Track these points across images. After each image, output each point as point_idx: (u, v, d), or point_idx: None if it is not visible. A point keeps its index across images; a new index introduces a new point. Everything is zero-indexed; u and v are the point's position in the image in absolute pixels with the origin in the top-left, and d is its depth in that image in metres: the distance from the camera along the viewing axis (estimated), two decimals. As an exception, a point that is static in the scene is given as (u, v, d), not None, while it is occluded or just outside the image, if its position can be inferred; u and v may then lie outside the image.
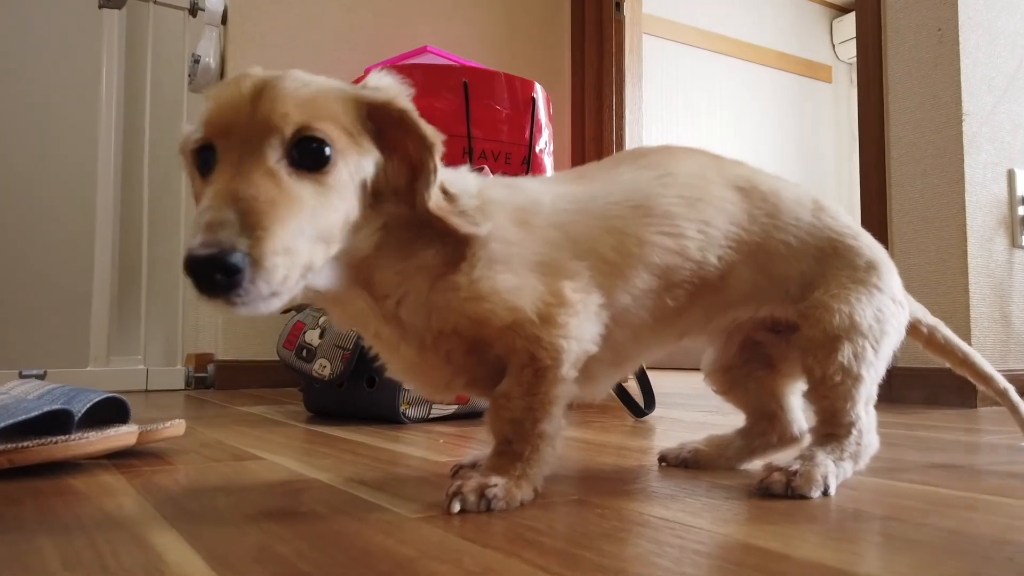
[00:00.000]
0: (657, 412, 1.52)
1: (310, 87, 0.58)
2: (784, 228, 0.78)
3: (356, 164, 0.59)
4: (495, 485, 0.65)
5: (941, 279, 1.75)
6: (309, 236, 0.54)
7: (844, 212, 0.83)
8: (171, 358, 2.34)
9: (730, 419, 1.19)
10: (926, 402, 1.71)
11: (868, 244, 0.81)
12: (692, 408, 1.68)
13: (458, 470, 0.80)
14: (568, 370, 0.67)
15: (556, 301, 0.66)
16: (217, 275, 0.48)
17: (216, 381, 2.20)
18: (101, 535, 0.57)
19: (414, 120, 0.62)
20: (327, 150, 0.56)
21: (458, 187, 0.67)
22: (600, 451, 1.02)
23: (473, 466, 0.78)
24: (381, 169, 0.62)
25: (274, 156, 0.54)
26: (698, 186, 0.76)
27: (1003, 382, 0.89)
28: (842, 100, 4.82)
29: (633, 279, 0.71)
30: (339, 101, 0.59)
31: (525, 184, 0.74)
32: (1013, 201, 1.82)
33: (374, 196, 0.62)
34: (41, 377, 1.91)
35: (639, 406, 1.47)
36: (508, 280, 0.65)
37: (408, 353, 0.68)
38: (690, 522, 0.61)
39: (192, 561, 0.50)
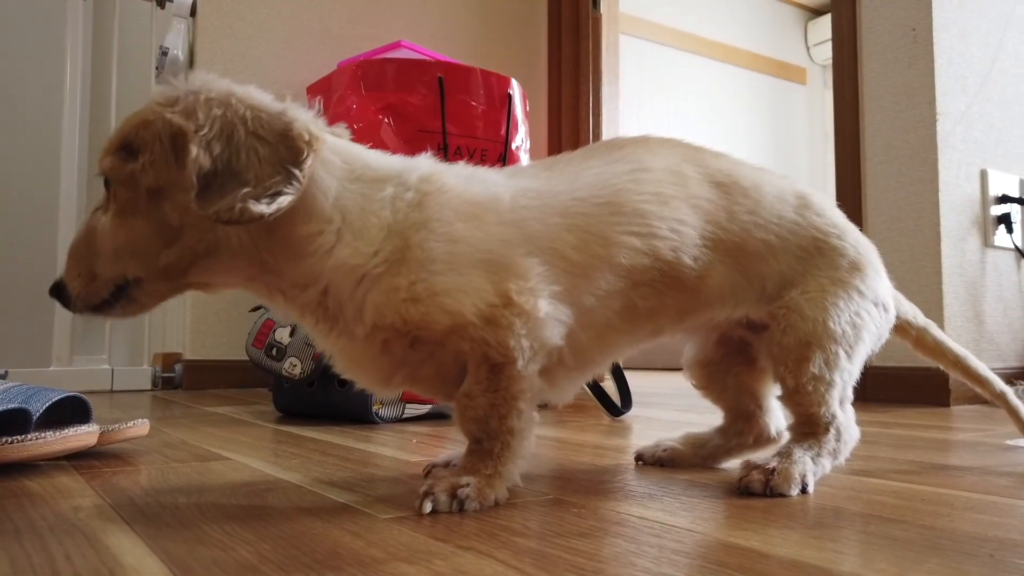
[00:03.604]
0: (634, 411, 1.51)
1: (123, 124, 0.65)
2: (765, 226, 0.75)
3: (133, 182, 0.63)
4: (467, 485, 0.64)
5: (915, 278, 1.76)
6: (108, 255, 0.65)
7: (832, 207, 0.80)
8: (137, 358, 2.28)
9: (706, 417, 1.19)
10: (900, 400, 1.72)
11: (854, 243, 0.78)
12: (669, 407, 1.67)
13: (431, 470, 0.78)
14: (525, 366, 0.65)
15: (501, 302, 0.63)
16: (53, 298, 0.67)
17: (184, 381, 2.16)
18: (54, 538, 0.55)
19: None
20: (104, 181, 0.66)
21: (393, 171, 0.68)
22: (576, 450, 1.01)
23: (446, 465, 0.76)
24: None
25: (103, 197, 0.67)
26: (673, 182, 0.73)
27: (1000, 384, 0.87)
28: (816, 102, 4.87)
29: (597, 280, 0.69)
30: (130, 128, 0.64)
31: (487, 176, 0.71)
32: (986, 201, 1.84)
33: None
34: (2, 377, 1.85)
35: (616, 405, 1.46)
36: (446, 282, 0.63)
37: (341, 342, 0.67)
38: (669, 521, 0.60)
39: (149, 564, 0.49)
